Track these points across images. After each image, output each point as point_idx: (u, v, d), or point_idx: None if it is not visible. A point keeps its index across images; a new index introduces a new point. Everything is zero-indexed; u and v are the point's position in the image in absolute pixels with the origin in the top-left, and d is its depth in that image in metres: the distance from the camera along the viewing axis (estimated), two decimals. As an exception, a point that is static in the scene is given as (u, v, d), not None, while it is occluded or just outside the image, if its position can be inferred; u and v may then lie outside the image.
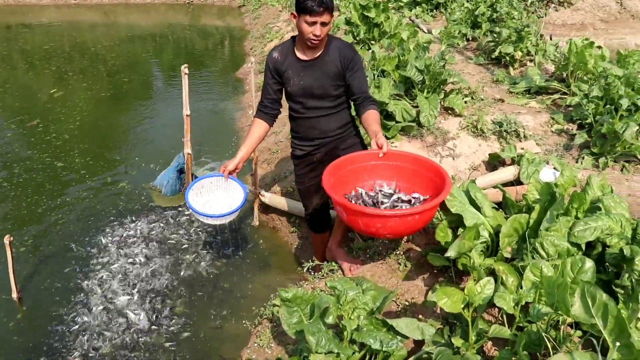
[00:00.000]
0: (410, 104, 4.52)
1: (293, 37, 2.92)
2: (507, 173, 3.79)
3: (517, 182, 3.73)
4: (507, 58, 5.83)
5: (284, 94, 3.02)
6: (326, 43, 2.83)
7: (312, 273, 3.34)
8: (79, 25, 13.93)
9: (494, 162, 4.11)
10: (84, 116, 7.42)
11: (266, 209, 4.63)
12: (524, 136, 4.25)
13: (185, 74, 4.66)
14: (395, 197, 2.68)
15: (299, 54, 2.86)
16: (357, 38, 6.58)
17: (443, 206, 2.59)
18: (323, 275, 3.27)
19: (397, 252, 3.03)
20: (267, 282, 3.88)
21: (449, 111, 4.63)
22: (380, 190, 2.73)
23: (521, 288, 2.01)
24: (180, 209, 4.90)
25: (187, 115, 4.76)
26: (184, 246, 4.35)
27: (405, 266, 2.92)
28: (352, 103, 3.02)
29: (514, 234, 2.38)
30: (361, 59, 2.92)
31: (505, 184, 3.74)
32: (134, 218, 4.74)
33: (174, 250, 4.28)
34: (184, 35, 12.81)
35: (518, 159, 3.84)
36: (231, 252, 4.26)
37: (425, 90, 4.57)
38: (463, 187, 2.66)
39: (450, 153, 4.25)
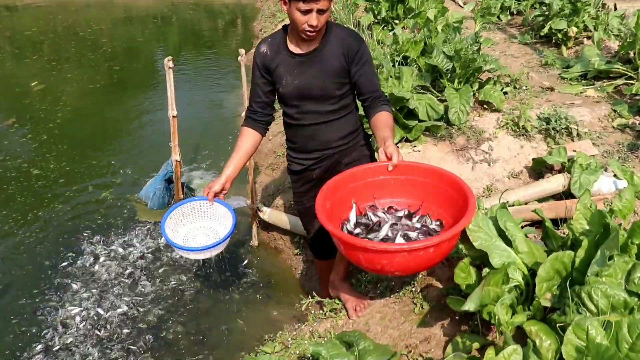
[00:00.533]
0: (437, 98, 4.32)
1: (285, 27, 2.73)
2: (554, 183, 3.56)
3: (568, 194, 3.50)
4: (559, 35, 5.55)
5: (276, 96, 2.87)
6: (325, 32, 2.66)
7: (313, 311, 3.15)
8: (69, 6, 13.99)
9: (539, 169, 3.89)
10: (66, 113, 7.40)
11: (267, 225, 4.51)
12: (577, 135, 4.01)
13: (170, 67, 4.53)
14: (404, 221, 2.46)
15: (292, 47, 2.68)
16: (378, 17, 6.35)
17: (465, 236, 2.34)
18: (325, 314, 3.07)
19: (413, 289, 2.82)
20: (263, 317, 3.77)
21: (485, 106, 4.42)
22: (389, 213, 2.51)
23: (561, 358, 1.75)
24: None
25: (173, 117, 4.63)
26: (168, 271, 4.25)
27: (422, 308, 2.70)
28: (359, 104, 2.85)
29: (555, 276, 2.11)
30: (369, 50, 2.74)
31: (554, 197, 3.55)
32: (113, 237, 4.66)
33: (155, 277, 4.17)
34: (188, 16, 12.73)
35: (569, 165, 3.60)
36: (224, 279, 4.15)
37: (456, 81, 4.37)
38: (491, 213, 2.41)
39: (486, 157, 4.05)
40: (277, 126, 4.86)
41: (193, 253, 2.86)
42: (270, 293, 4.05)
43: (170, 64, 4.48)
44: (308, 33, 2.55)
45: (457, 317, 2.53)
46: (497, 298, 2.06)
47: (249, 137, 2.88)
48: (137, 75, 8.88)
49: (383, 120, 2.62)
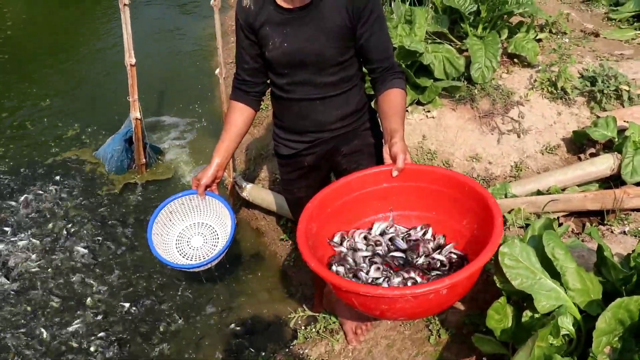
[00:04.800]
0: (455, 47, 4.16)
1: None
2: (600, 166, 3.46)
3: (618, 179, 3.41)
4: (606, -38, 5.41)
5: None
6: None
7: (304, 328, 3.02)
8: None
9: (580, 142, 3.81)
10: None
11: (247, 202, 4.35)
12: (629, 99, 3.88)
13: (126, 4, 4.34)
14: (409, 253, 2.25)
15: (279, 1, 2.46)
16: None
17: (499, 266, 2.14)
18: (319, 333, 2.95)
19: None
20: (238, 322, 3.67)
21: (515, 60, 4.31)
22: (391, 239, 2.31)
23: None
24: (125, 196, 4.75)
25: (131, 65, 4.48)
26: (120, 255, 4.19)
27: (439, 337, 2.60)
28: (366, 75, 2.67)
29: (618, 327, 1.94)
30: (380, 4, 2.54)
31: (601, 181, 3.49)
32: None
33: (104, 265, 4.09)
34: None
35: (619, 142, 3.49)
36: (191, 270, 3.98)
37: (480, 27, 4.24)
38: (532, 231, 2.23)
39: (515, 127, 3.93)
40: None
41: (192, 269, 2.73)
42: (250, 289, 3.92)
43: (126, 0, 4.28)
44: None
45: (483, 358, 2.43)
46: (543, 357, 1.92)
47: (239, 112, 2.68)
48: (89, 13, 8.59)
49: (393, 102, 2.46)
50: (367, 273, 2.17)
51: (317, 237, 2.20)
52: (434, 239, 2.28)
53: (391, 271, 2.17)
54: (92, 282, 3.92)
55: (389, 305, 1.97)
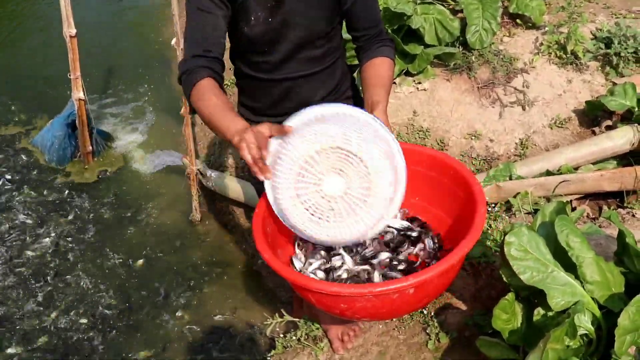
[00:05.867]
0: (449, 8, 4.22)
1: None
2: (618, 140, 3.49)
3: (639, 155, 3.48)
4: None
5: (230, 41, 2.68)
6: None
7: (282, 335, 3.02)
8: None
9: (594, 114, 3.86)
10: None
11: (213, 193, 4.44)
12: None
13: None
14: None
15: None
16: None
17: (505, 259, 2.17)
18: (300, 341, 2.93)
19: (425, 311, 2.74)
20: (206, 333, 3.69)
21: (517, 20, 4.40)
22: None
23: None
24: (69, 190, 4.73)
25: (71, 37, 4.47)
26: (67, 250, 4.25)
27: (439, 341, 2.60)
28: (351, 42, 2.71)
29: None
30: None
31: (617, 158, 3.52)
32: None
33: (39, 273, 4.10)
34: None
35: (639, 112, 3.51)
36: (150, 268, 4.11)
37: None
38: (543, 217, 2.26)
39: (519, 98, 3.98)
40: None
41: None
42: (218, 292, 3.96)
43: (62, -42, 4.36)
44: None
45: (490, 364, 2.49)
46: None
47: (220, 89, 2.42)
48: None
49: (378, 72, 2.52)
50: (341, 267, 2.25)
51: (280, 224, 2.24)
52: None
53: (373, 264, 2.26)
54: (36, 287, 3.95)
55: (347, 304, 2.05)
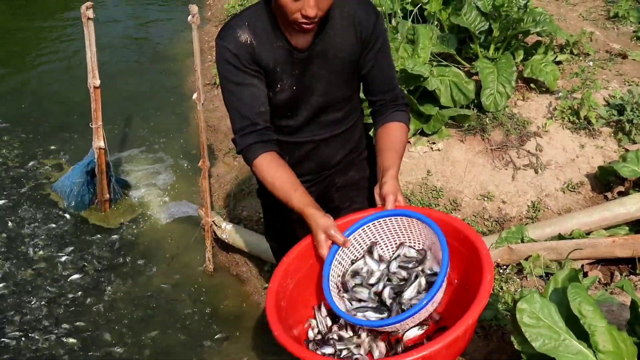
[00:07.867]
0: (464, 70, 4.24)
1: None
2: (630, 207, 3.45)
3: None
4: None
5: None
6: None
7: None
8: None
9: (607, 180, 3.84)
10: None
11: (226, 244, 4.35)
12: None
13: (90, 18, 4.34)
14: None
15: (294, 40, 2.42)
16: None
17: (516, 325, 2.14)
18: None
19: None
20: None
21: (532, 85, 4.38)
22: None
23: None
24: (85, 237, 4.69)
25: (95, 87, 4.49)
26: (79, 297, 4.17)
27: None
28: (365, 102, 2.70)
29: None
30: (385, 27, 2.64)
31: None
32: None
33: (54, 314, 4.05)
34: None
35: None
36: (164, 318, 4.04)
37: (492, 47, 4.32)
38: (555, 284, 2.23)
39: (532, 162, 3.97)
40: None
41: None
42: (229, 348, 3.86)
43: (90, 13, 4.27)
44: (303, 26, 2.28)
45: None
46: None
47: (279, 162, 2.50)
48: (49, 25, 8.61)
49: (391, 137, 2.52)
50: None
51: (293, 297, 2.21)
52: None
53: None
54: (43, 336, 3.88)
55: None
